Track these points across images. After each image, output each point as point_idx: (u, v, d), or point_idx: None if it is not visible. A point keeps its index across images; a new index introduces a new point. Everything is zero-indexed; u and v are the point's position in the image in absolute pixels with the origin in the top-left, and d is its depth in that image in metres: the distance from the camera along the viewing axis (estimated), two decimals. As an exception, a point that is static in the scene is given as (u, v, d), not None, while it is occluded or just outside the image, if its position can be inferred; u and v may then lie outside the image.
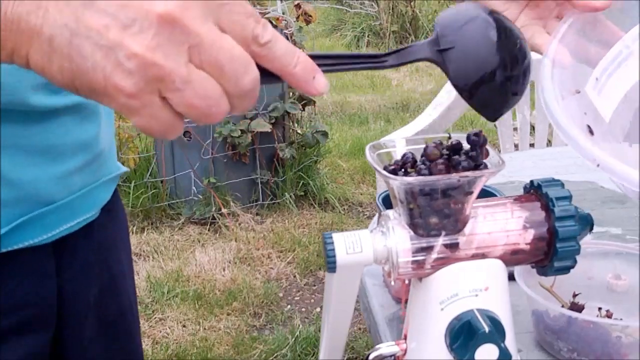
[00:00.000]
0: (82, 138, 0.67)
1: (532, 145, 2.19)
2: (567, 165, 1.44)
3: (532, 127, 2.13)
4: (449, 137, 0.61)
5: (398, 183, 0.58)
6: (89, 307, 0.73)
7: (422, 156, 0.61)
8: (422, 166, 0.59)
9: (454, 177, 0.57)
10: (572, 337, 0.78)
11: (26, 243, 0.60)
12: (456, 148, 0.60)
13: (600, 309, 0.84)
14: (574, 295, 0.85)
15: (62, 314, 0.69)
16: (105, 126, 0.71)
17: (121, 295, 0.79)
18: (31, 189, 0.61)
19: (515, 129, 2.13)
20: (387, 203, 0.70)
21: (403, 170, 0.60)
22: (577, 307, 0.84)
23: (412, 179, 0.58)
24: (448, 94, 2.02)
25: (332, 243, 0.61)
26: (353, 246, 0.61)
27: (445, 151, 0.60)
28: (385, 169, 0.60)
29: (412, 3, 5.60)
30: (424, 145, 0.62)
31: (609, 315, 0.83)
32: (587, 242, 0.65)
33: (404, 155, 0.61)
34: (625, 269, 0.85)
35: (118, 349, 0.81)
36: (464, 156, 0.59)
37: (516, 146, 2.15)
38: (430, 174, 0.58)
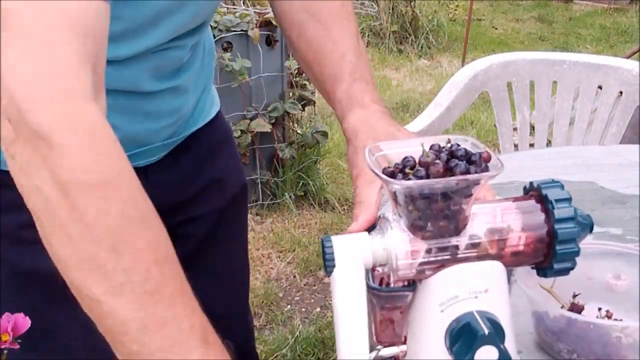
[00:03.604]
0: (173, 107, 0.89)
1: (531, 145, 2.19)
2: (567, 165, 1.44)
3: (532, 127, 2.13)
4: (448, 141, 0.61)
5: (397, 187, 0.58)
6: (182, 206, 0.98)
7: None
8: (420, 168, 0.59)
9: (453, 181, 0.57)
10: (572, 338, 0.78)
11: None
12: (454, 152, 0.60)
13: (600, 309, 0.84)
14: (574, 296, 0.85)
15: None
16: (192, 98, 0.94)
17: (224, 191, 1.04)
18: (132, 136, 0.83)
19: (514, 129, 2.13)
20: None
21: (402, 173, 0.60)
22: (577, 308, 0.84)
23: (412, 183, 0.57)
24: (448, 94, 2.02)
25: (331, 246, 0.61)
26: (352, 249, 0.61)
27: (443, 155, 0.60)
28: (384, 171, 0.60)
29: (412, 3, 5.59)
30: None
31: (608, 316, 0.83)
32: (586, 242, 0.65)
33: (405, 158, 0.60)
34: (625, 269, 0.85)
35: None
36: (463, 159, 0.59)
37: (516, 146, 2.15)
38: (428, 176, 0.58)
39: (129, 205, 0.55)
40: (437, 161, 0.58)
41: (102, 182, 0.55)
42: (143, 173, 0.90)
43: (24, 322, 0.61)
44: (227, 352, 0.60)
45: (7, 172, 0.77)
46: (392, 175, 0.59)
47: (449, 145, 0.60)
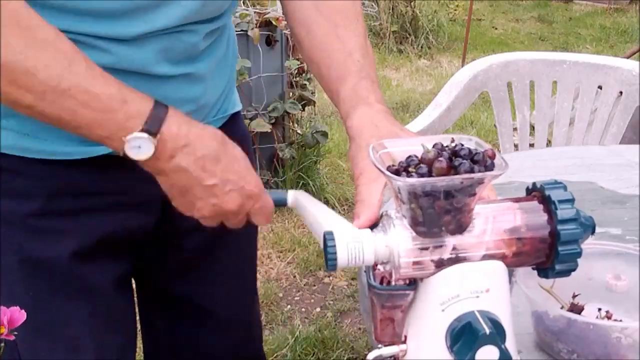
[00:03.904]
0: (189, 95, 0.89)
1: (531, 145, 2.19)
2: (567, 165, 1.44)
3: (532, 127, 2.13)
4: (452, 140, 0.61)
5: (401, 184, 0.58)
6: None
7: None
8: (423, 165, 0.59)
9: (457, 179, 0.57)
10: (572, 338, 0.78)
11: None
12: (457, 151, 0.60)
13: (600, 309, 0.84)
14: (574, 296, 0.85)
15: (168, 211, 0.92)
16: (211, 88, 0.93)
17: None
18: None
19: (515, 129, 2.13)
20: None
21: (406, 172, 0.60)
22: (577, 308, 0.84)
23: (415, 180, 0.57)
24: (448, 94, 2.02)
25: (334, 242, 0.61)
26: (354, 245, 0.61)
27: (445, 153, 0.60)
28: (388, 169, 0.60)
29: (412, 3, 5.59)
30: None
31: (608, 316, 0.84)
32: (586, 242, 0.65)
33: (409, 156, 0.61)
34: (624, 269, 0.85)
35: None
36: (466, 158, 0.59)
37: (516, 146, 2.15)
38: (431, 174, 0.58)
39: (30, 38, 0.69)
40: (441, 158, 0.58)
41: (4, 25, 0.67)
42: None
43: (20, 315, 0.66)
44: (146, 100, 0.75)
45: (10, 156, 0.80)
46: (396, 173, 0.59)
47: (452, 144, 0.60)
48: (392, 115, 0.83)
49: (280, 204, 0.83)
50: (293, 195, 0.82)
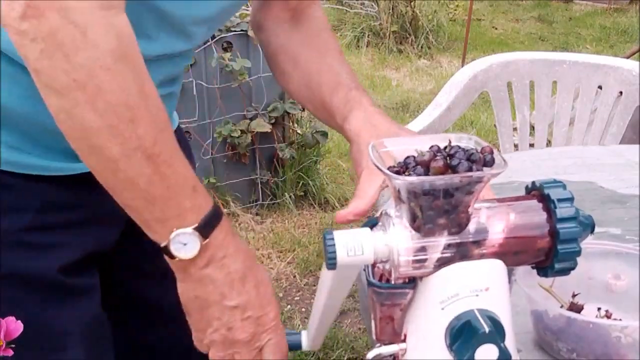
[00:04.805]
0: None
1: (531, 145, 2.19)
2: (567, 165, 1.44)
3: (532, 127, 2.13)
4: (449, 143, 0.61)
5: (401, 182, 0.58)
6: None
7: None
8: (419, 167, 0.59)
9: (456, 177, 0.57)
10: (572, 337, 0.78)
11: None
12: (453, 154, 0.60)
13: (599, 309, 0.84)
14: (574, 296, 0.85)
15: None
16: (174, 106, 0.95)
17: None
18: None
19: (514, 129, 2.13)
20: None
21: (403, 172, 0.60)
22: (577, 308, 0.84)
23: (415, 179, 0.58)
24: (448, 94, 2.02)
25: (333, 241, 0.61)
26: (354, 245, 0.61)
27: (441, 155, 0.60)
28: (388, 169, 0.60)
29: (412, 3, 5.59)
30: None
31: (608, 316, 0.84)
32: (586, 242, 0.65)
33: (407, 157, 0.61)
34: (624, 269, 0.85)
35: None
36: (463, 158, 0.59)
37: (516, 146, 2.15)
38: (427, 174, 0.58)
39: (140, 87, 0.65)
40: (437, 158, 0.59)
41: (125, 66, 0.63)
42: None
43: (17, 326, 0.63)
44: (208, 198, 0.71)
45: (6, 173, 0.78)
46: (397, 173, 0.60)
47: (448, 147, 0.61)
48: (388, 116, 0.86)
49: (295, 348, 0.78)
50: (306, 337, 0.79)
